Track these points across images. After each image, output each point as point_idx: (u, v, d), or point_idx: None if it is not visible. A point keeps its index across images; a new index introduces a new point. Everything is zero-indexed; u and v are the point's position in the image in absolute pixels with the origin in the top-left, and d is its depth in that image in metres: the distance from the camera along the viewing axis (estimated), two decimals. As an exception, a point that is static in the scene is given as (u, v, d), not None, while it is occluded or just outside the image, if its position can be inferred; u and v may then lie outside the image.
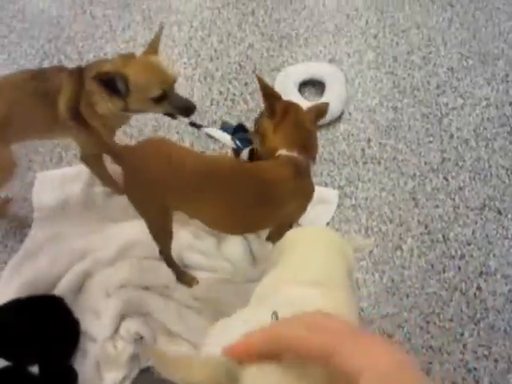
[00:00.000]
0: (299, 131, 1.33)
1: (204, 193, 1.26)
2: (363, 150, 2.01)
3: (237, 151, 1.59)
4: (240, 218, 1.31)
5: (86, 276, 1.68)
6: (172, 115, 1.50)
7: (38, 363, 1.48)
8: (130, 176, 1.33)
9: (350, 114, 2.12)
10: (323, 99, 2.07)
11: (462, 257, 1.75)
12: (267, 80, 2.17)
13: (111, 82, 1.33)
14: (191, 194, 1.28)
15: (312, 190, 1.38)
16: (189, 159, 1.29)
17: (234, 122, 1.93)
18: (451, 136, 2.05)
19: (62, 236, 1.77)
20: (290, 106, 1.33)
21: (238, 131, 1.66)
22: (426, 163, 1.97)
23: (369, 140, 2.03)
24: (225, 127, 1.76)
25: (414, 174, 1.94)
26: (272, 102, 1.31)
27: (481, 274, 1.72)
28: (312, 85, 2.18)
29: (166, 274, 1.66)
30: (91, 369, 1.53)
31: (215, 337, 0.79)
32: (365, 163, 1.97)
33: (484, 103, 2.16)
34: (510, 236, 1.79)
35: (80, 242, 1.74)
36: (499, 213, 1.84)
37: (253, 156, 1.52)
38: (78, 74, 1.45)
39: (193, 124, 1.63)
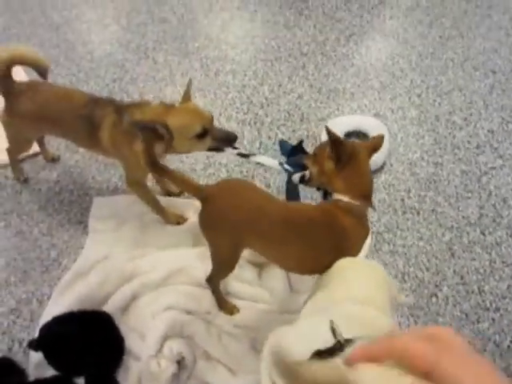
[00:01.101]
0: (363, 179, 1.37)
1: (281, 238, 1.35)
2: (403, 199, 2.09)
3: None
4: (311, 263, 1.37)
5: (134, 297, 1.78)
6: (217, 149, 1.62)
7: (84, 375, 1.57)
8: (210, 213, 1.41)
9: (391, 165, 2.22)
10: (367, 150, 2.19)
11: (497, 310, 1.79)
12: (313, 129, 2.33)
13: (153, 129, 1.47)
14: (269, 238, 1.37)
15: (368, 230, 1.43)
16: (269, 204, 1.37)
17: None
18: (489, 194, 2.12)
19: (113, 258, 1.88)
20: (356, 153, 1.35)
21: (293, 153, 1.68)
22: (463, 217, 2.04)
23: (409, 191, 2.12)
24: (282, 146, 1.79)
25: (452, 227, 2.01)
26: (338, 149, 1.32)
27: (514, 328, 1.75)
28: (356, 136, 2.30)
29: (209, 301, 1.74)
30: (133, 384, 1.61)
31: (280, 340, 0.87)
32: (404, 212, 2.05)
33: (523, 165, 2.24)
34: (545, 294, 1.83)
35: (129, 264, 1.84)
36: (535, 270, 1.89)
37: (303, 181, 1.59)
38: (121, 111, 1.61)
39: (241, 154, 1.72)
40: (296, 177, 1.62)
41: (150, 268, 1.84)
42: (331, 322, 0.78)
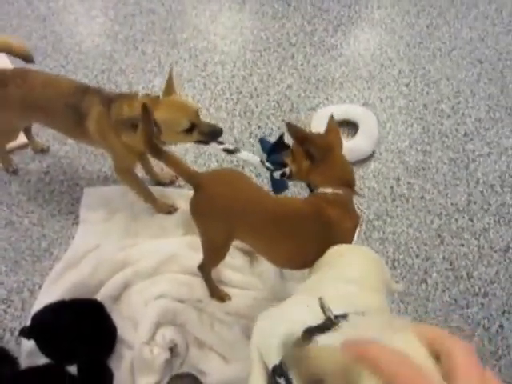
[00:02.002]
0: (341, 168, 1.40)
1: (270, 232, 1.37)
2: (392, 187, 2.11)
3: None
4: (300, 257, 1.38)
5: (126, 286, 1.78)
6: (204, 142, 1.64)
7: (76, 363, 1.57)
8: (201, 200, 1.42)
9: (380, 153, 2.24)
10: (356, 139, 2.21)
11: (486, 295, 1.82)
12: (303, 119, 2.34)
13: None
14: (258, 231, 1.39)
15: (358, 217, 1.45)
16: (259, 197, 1.39)
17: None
18: (477, 181, 2.15)
19: (104, 247, 1.88)
20: (329, 144, 1.38)
21: (274, 150, 1.72)
22: (452, 204, 2.06)
23: (398, 179, 2.14)
24: (263, 143, 1.83)
25: (441, 213, 2.03)
26: (307, 147, 1.36)
27: (503, 312, 1.78)
28: (346, 125, 2.31)
29: (201, 289, 1.75)
30: (125, 373, 1.61)
31: (273, 318, 0.89)
32: (393, 200, 2.07)
33: (510, 152, 2.26)
34: (532, 278, 1.86)
35: (121, 254, 1.84)
36: (522, 255, 1.92)
37: (284, 177, 1.63)
38: (108, 101, 1.61)
39: (226, 150, 1.73)
40: (277, 174, 1.66)
41: (142, 257, 1.84)
42: (320, 298, 0.78)
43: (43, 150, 2.17)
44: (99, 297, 1.73)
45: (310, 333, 0.74)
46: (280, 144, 1.74)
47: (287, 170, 1.59)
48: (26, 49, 1.66)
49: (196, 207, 1.44)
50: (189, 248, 1.84)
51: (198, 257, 1.62)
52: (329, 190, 1.36)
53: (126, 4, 2.92)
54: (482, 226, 2.00)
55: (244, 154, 1.75)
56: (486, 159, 2.23)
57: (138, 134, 1.53)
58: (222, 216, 1.40)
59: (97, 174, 2.13)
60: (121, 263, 1.82)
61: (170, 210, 1.98)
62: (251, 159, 1.75)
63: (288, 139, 1.64)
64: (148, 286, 1.77)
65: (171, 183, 2.11)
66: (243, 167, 2.16)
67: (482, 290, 1.82)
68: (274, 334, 0.83)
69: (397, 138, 2.30)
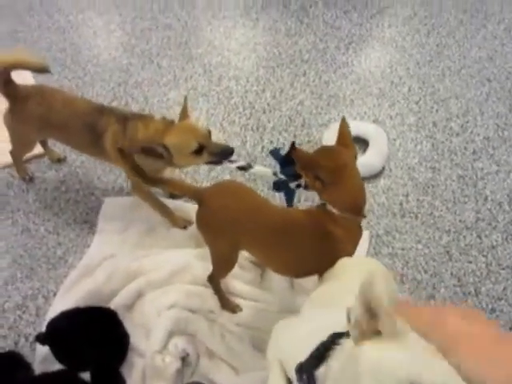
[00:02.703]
0: (352, 193, 1.37)
1: (272, 242, 1.41)
2: (401, 203, 2.15)
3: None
4: (301, 265, 1.43)
5: (139, 295, 1.82)
6: (215, 162, 1.71)
7: (89, 369, 1.60)
8: (206, 214, 1.46)
9: (390, 170, 2.27)
10: (367, 155, 2.24)
11: (493, 311, 1.84)
12: (314, 134, 2.38)
13: (153, 150, 1.57)
14: (261, 241, 1.43)
15: (360, 235, 1.46)
16: (262, 208, 1.44)
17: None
18: (485, 198, 2.18)
19: (119, 257, 1.93)
20: (339, 166, 1.33)
21: (286, 162, 1.70)
22: (460, 221, 2.09)
23: (407, 195, 2.18)
24: (274, 154, 1.84)
25: (449, 230, 2.06)
26: (315, 173, 1.34)
27: (510, 328, 1.80)
28: (356, 141, 2.35)
29: (212, 300, 1.78)
30: (137, 381, 1.64)
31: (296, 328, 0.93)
32: (402, 216, 2.10)
33: (518, 171, 2.30)
34: (539, 296, 1.88)
35: (134, 264, 1.88)
36: (530, 273, 1.94)
37: (300, 187, 1.68)
38: (124, 121, 1.68)
39: (240, 167, 1.80)
40: (293, 185, 1.71)
41: (155, 267, 1.88)
42: (348, 309, 0.82)
43: (60, 160, 2.23)
44: (112, 305, 1.76)
45: (337, 337, 0.77)
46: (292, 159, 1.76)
47: (302, 181, 1.58)
48: (41, 61, 1.73)
49: (201, 221, 1.49)
50: (201, 259, 1.87)
51: (209, 268, 1.66)
52: (335, 211, 1.37)
53: (143, 19, 3.00)
54: (490, 243, 2.02)
55: (257, 169, 1.80)
56: (494, 177, 2.26)
57: (150, 158, 1.60)
58: (226, 228, 1.44)
59: (112, 184, 2.18)
60: (134, 273, 1.85)
61: (185, 224, 2.01)
62: (264, 173, 1.80)
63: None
64: (160, 295, 1.80)
65: (184, 196, 2.15)
66: (256, 180, 2.20)
67: (490, 307, 1.84)
68: (299, 341, 0.86)
69: (406, 155, 2.34)
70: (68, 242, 2.00)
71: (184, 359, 1.67)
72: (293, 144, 1.47)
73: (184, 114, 1.65)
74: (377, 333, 0.65)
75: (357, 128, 2.35)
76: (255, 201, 1.46)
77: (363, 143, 2.33)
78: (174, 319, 1.71)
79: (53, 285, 1.87)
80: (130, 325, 1.72)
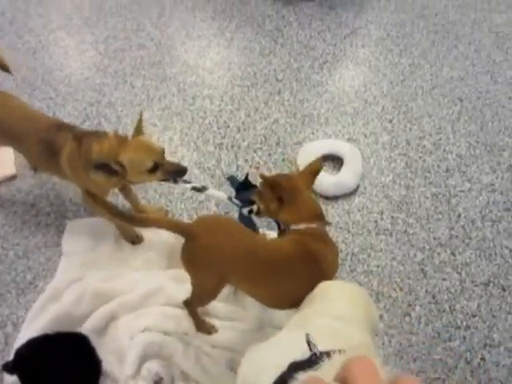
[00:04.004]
0: (308, 205, 1.50)
1: (264, 276, 1.40)
2: (376, 221, 2.15)
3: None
4: (294, 296, 1.40)
5: (111, 318, 1.78)
6: (170, 180, 1.71)
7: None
8: (193, 250, 1.44)
9: (365, 188, 2.28)
10: (341, 174, 2.25)
11: (468, 328, 1.84)
12: (289, 152, 2.39)
13: (107, 166, 1.56)
14: (252, 276, 1.42)
15: (336, 247, 1.54)
16: (252, 243, 1.44)
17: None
18: (459, 215, 2.20)
19: (87, 279, 1.87)
20: (295, 186, 1.49)
21: (242, 188, 1.82)
22: (434, 238, 2.11)
23: (382, 213, 2.19)
24: (232, 181, 1.91)
25: (423, 247, 2.07)
26: (279, 193, 1.47)
27: (485, 345, 1.80)
28: (331, 160, 2.36)
29: (187, 322, 1.75)
30: (110, 407, 1.60)
31: (263, 352, 0.90)
32: (377, 234, 2.11)
33: (490, 188, 2.32)
34: (512, 312, 1.90)
35: (105, 285, 1.84)
36: (503, 289, 1.96)
37: (251, 213, 1.72)
38: (80, 138, 1.65)
39: (195, 188, 1.82)
40: (245, 211, 1.75)
41: (127, 289, 1.84)
42: (307, 335, 0.81)
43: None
44: (83, 330, 1.72)
45: (295, 368, 0.76)
46: (248, 182, 1.82)
47: (255, 207, 1.68)
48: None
49: (189, 257, 1.46)
50: (174, 281, 1.85)
51: (183, 289, 1.63)
52: (302, 226, 1.45)
53: (116, 39, 2.98)
54: (464, 260, 2.04)
55: (212, 192, 1.84)
56: (466, 194, 2.29)
57: (104, 174, 1.59)
58: (215, 265, 1.43)
59: (84, 206, 2.14)
60: (105, 295, 1.81)
61: (134, 239, 1.99)
62: (219, 196, 1.84)
63: (252, 179, 1.80)
64: (134, 318, 1.76)
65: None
66: (209, 202, 2.19)
67: (464, 323, 1.85)
68: (263, 368, 0.84)
69: (380, 173, 2.35)
70: (38, 266, 1.95)
71: (158, 383, 1.63)
72: (247, 175, 1.72)
73: (139, 129, 1.63)
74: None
75: (331, 146, 2.37)
76: (244, 237, 1.46)
77: (338, 161, 2.34)
78: (147, 342, 1.67)
79: (22, 311, 1.82)
80: (102, 350, 1.68)
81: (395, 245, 2.08)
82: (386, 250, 2.06)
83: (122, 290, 1.83)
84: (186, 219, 2.12)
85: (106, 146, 1.58)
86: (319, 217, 1.49)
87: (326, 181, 2.21)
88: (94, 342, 1.68)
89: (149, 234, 2.01)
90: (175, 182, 1.73)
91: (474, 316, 1.87)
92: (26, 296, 1.85)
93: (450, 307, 1.89)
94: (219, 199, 1.85)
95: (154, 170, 1.60)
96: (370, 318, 1.16)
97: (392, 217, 2.18)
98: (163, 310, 1.79)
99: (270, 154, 2.41)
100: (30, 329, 1.72)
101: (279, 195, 1.47)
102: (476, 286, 1.96)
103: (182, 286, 1.78)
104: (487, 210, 2.23)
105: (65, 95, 2.65)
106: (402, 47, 3.07)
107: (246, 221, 1.77)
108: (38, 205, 2.12)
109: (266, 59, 2.93)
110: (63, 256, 1.98)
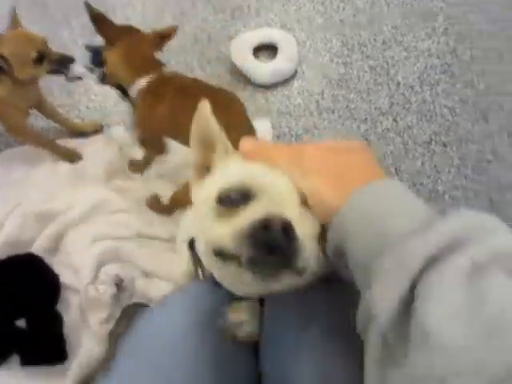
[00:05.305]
0: (143, 51, 1.52)
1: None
2: (317, 101, 2.14)
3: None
4: None
5: (60, 236, 1.75)
6: (58, 72, 1.65)
7: (24, 317, 1.56)
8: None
9: (303, 72, 2.25)
10: (277, 60, 2.21)
11: (414, 185, 1.90)
12: (223, 48, 2.31)
13: None
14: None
15: None
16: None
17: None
18: (398, 84, 2.20)
19: (25, 204, 1.80)
20: (126, 31, 1.50)
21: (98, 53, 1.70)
22: (376, 108, 2.12)
23: (322, 93, 2.17)
24: (91, 48, 1.78)
25: (366, 119, 2.08)
26: (102, 28, 1.46)
27: (430, 198, 1.87)
28: (266, 49, 2.31)
29: (138, 224, 1.76)
30: (76, 316, 1.61)
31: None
32: (320, 113, 2.11)
33: (426, 54, 2.32)
34: (454, 164, 1.95)
35: (47, 205, 1.79)
36: (444, 146, 2.00)
37: (104, 78, 1.67)
38: None
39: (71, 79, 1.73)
40: (97, 77, 1.71)
41: (71, 206, 1.79)
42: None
43: None
44: (34, 252, 1.70)
45: None
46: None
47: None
48: None
49: None
50: (116, 192, 1.83)
51: (126, 198, 1.67)
52: (143, 82, 1.49)
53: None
54: (406, 125, 2.06)
55: (79, 69, 1.74)
56: (404, 63, 2.28)
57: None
58: None
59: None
60: (48, 215, 1.76)
61: (71, 158, 1.93)
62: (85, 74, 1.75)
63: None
64: (83, 231, 1.74)
65: (96, 133, 2.06)
66: None
67: (410, 182, 1.90)
68: None
69: (317, 55, 2.31)
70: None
71: (119, 285, 1.65)
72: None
73: (15, 22, 1.55)
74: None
75: (263, 35, 2.31)
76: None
77: (272, 50, 2.29)
78: (101, 250, 1.66)
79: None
80: (58, 267, 1.68)
81: (338, 121, 2.08)
82: (329, 127, 2.06)
83: (66, 207, 1.78)
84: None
85: None
86: (157, 66, 1.52)
87: (262, 69, 2.17)
88: (48, 261, 1.67)
89: (87, 150, 1.96)
90: (62, 72, 1.66)
91: (418, 173, 1.92)
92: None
93: (395, 169, 1.94)
94: (86, 76, 1.76)
95: (39, 60, 1.54)
96: None
97: (333, 95, 2.17)
98: (111, 218, 1.77)
99: (202, 53, 2.34)
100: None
101: (105, 30, 1.46)
102: (419, 145, 2.00)
103: (124, 196, 1.81)
104: (425, 75, 2.24)
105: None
106: None
107: None
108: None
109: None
110: (-1, 189, 1.91)
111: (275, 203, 0.56)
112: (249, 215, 0.54)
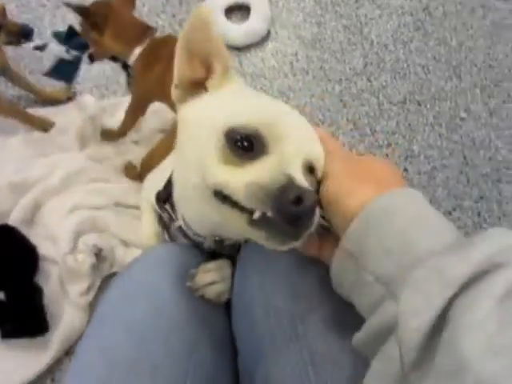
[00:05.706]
0: (131, 21, 1.48)
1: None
2: (291, 63, 2.12)
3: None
4: None
5: (36, 207, 1.72)
6: (15, 42, 1.57)
7: (2, 290, 1.55)
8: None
9: (276, 32, 2.21)
10: (249, 21, 2.16)
11: (389, 145, 1.91)
12: (193, 10, 2.25)
13: None
14: None
15: None
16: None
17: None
18: (371, 43, 2.18)
19: (0, 175, 1.74)
20: (109, 9, 1.42)
21: (70, 37, 1.67)
22: (350, 69, 2.10)
23: (296, 54, 2.14)
24: (57, 36, 1.73)
25: (340, 79, 2.07)
26: (92, 19, 1.40)
27: (406, 157, 1.88)
28: (238, 9, 2.25)
29: (116, 193, 1.74)
30: (55, 286, 1.60)
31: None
32: (294, 75, 2.08)
33: (400, 11, 2.30)
34: (429, 123, 1.97)
35: (20, 175, 1.74)
36: (419, 104, 2.01)
37: (93, 59, 1.63)
38: None
39: (37, 47, 1.64)
40: (85, 58, 1.65)
41: (45, 175, 1.76)
42: None
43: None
44: (11, 223, 1.67)
45: None
46: (72, 30, 1.68)
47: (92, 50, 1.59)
48: None
49: None
50: (92, 160, 1.80)
51: (103, 167, 1.66)
52: (137, 51, 1.45)
53: None
54: (380, 84, 2.06)
55: (53, 47, 1.67)
56: (377, 21, 2.26)
57: None
58: None
59: None
60: (22, 186, 1.71)
61: (44, 127, 1.87)
62: (59, 51, 1.68)
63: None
64: (60, 201, 1.71)
65: (69, 100, 2.01)
66: None
67: (386, 142, 1.91)
68: None
69: (290, 15, 2.27)
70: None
71: (98, 256, 1.64)
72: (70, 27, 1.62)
73: None
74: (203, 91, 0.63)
75: (235, -4, 2.25)
76: None
77: (245, 10, 2.24)
78: (79, 219, 1.64)
79: None
80: (35, 238, 1.65)
81: (312, 82, 2.06)
82: (304, 88, 2.05)
83: (40, 177, 1.74)
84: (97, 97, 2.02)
85: None
86: (148, 31, 1.47)
87: (235, 31, 2.12)
88: (26, 232, 1.64)
89: (59, 118, 1.91)
90: (19, 43, 1.58)
91: (393, 133, 1.93)
92: None
93: (370, 130, 1.94)
94: (60, 56, 1.68)
95: None
96: None
97: (307, 56, 2.14)
98: (88, 187, 1.74)
99: (174, 16, 2.27)
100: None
101: (93, 21, 1.40)
102: (394, 105, 2.00)
103: (100, 164, 1.79)
104: (398, 33, 2.22)
105: None
106: None
107: (64, 70, 1.71)
108: None
109: None
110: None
111: (290, 158, 0.54)
112: (266, 172, 0.51)
